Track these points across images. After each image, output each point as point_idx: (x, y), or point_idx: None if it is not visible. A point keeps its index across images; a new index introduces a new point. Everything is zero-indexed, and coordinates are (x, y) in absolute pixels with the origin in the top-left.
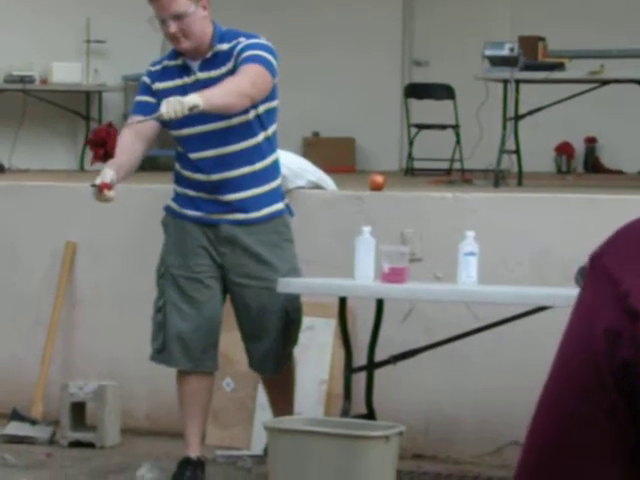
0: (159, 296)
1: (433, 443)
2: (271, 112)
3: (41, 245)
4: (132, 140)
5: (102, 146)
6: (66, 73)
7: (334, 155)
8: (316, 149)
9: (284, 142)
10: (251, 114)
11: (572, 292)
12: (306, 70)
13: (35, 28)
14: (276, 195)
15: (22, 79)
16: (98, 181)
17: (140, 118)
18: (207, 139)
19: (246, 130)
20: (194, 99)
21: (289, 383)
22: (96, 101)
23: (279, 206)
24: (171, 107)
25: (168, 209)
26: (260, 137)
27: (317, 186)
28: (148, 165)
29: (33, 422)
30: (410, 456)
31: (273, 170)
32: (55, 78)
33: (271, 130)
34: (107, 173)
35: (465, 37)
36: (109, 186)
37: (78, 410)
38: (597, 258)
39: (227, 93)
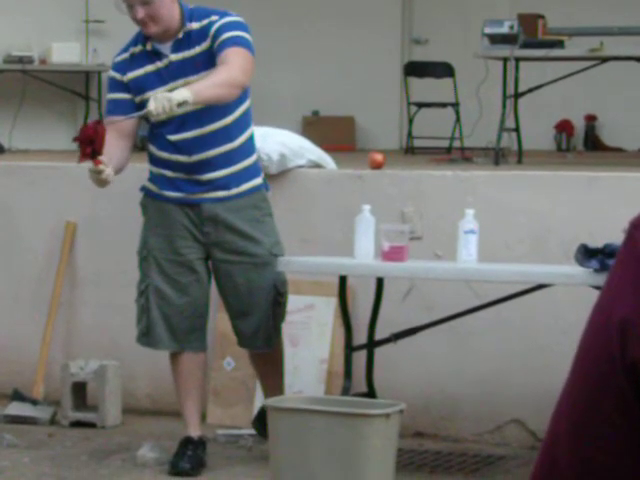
0: (142, 279)
1: (434, 421)
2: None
3: (41, 225)
4: (117, 141)
5: (90, 144)
6: (65, 53)
7: (334, 134)
8: (316, 128)
9: (284, 121)
10: None
11: (572, 270)
12: (305, 49)
13: (34, 8)
14: (255, 170)
15: (21, 59)
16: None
17: (119, 118)
18: (186, 120)
19: (224, 107)
20: (183, 94)
21: (279, 357)
22: (95, 81)
23: (258, 181)
24: (159, 103)
25: (146, 191)
26: (238, 112)
27: (317, 165)
28: (146, 145)
29: (34, 402)
30: (411, 434)
31: (250, 145)
32: (54, 58)
33: (247, 104)
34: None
35: (465, 15)
36: (100, 161)
37: (79, 390)
38: (634, 229)
39: (216, 84)
